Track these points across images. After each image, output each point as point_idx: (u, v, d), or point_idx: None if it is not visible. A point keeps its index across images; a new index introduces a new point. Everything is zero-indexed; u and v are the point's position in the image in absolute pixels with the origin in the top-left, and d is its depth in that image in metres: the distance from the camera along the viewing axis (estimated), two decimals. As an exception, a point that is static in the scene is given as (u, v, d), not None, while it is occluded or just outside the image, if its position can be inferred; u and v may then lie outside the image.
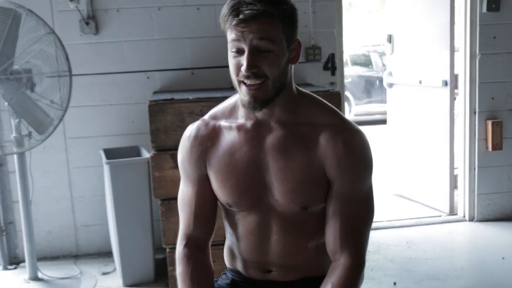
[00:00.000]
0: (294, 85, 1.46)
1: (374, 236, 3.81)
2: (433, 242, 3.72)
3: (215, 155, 1.48)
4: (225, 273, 1.66)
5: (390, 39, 4.56)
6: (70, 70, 2.86)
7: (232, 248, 1.59)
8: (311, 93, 1.51)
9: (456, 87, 4.09)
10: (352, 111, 9.51)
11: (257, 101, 1.36)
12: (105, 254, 3.58)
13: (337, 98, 2.96)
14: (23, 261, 3.27)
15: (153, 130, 2.87)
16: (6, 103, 2.90)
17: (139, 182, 3.07)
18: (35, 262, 3.18)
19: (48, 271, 3.27)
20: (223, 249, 1.65)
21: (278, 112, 1.42)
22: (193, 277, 1.48)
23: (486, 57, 3.86)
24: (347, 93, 9.39)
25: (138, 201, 3.08)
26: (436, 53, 4.09)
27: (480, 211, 4.03)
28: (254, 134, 1.44)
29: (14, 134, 2.95)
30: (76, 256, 3.60)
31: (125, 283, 3.13)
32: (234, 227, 1.54)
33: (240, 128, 1.46)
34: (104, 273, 3.31)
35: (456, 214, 4.15)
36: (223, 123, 1.49)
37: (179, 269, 1.50)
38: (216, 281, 1.63)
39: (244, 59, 1.33)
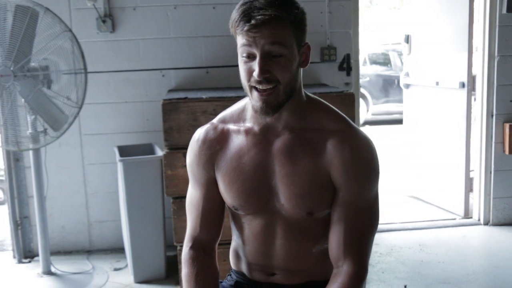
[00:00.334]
0: (303, 90, 1.46)
1: (386, 238, 3.80)
2: (446, 245, 3.69)
3: (223, 158, 1.48)
4: (230, 275, 1.68)
5: (407, 39, 4.52)
6: (85, 68, 2.89)
7: (237, 250, 1.60)
8: (319, 99, 1.51)
9: (473, 89, 4.05)
10: (369, 110, 9.45)
11: (269, 107, 1.37)
12: (118, 250, 3.62)
13: (351, 100, 2.94)
14: (38, 255, 3.32)
15: (166, 129, 2.88)
16: (22, 100, 2.94)
17: (152, 180, 3.09)
18: (49, 257, 3.22)
19: (61, 265, 3.31)
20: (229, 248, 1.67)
21: (286, 116, 1.43)
22: (197, 279, 1.50)
23: (504, 59, 3.80)
24: (365, 92, 9.34)
25: (150, 198, 3.10)
26: (454, 54, 4.05)
27: (495, 215, 3.98)
28: (262, 138, 1.45)
29: (30, 130, 2.99)
30: (89, 251, 3.64)
31: (136, 280, 3.16)
32: (240, 229, 1.55)
33: (248, 132, 1.46)
34: (116, 269, 3.35)
35: (471, 218, 4.11)
36: (231, 126, 1.49)
37: (185, 271, 1.51)
38: (221, 282, 1.64)
39: (255, 65, 1.33)
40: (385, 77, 9.54)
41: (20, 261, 3.52)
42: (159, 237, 3.16)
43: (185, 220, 2.86)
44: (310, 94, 1.50)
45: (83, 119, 3.48)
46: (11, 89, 2.91)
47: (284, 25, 1.32)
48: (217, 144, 1.49)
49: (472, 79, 4.00)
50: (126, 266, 3.36)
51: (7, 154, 3.49)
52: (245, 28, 1.31)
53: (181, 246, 2.96)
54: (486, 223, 4.00)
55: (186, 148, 2.86)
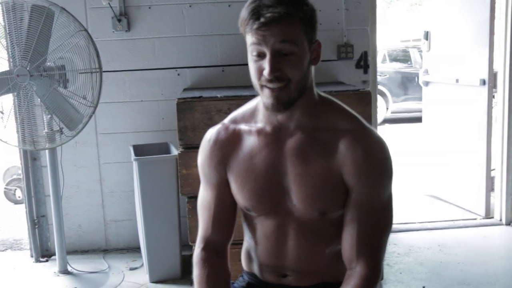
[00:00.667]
0: (315, 89, 1.44)
1: (404, 238, 3.74)
2: (466, 246, 3.62)
3: (235, 159, 1.47)
4: (242, 276, 1.66)
5: (427, 36, 4.45)
6: (100, 67, 2.89)
7: (249, 251, 1.59)
8: (331, 97, 1.48)
9: (494, 86, 3.96)
10: (389, 108, 9.36)
11: (280, 103, 1.34)
12: (133, 249, 3.62)
13: (368, 98, 2.89)
14: (54, 254, 3.33)
15: (181, 128, 2.87)
16: (39, 99, 2.95)
17: (167, 179, 3.08)
18: (65, 256, 3.23)
19: (77, 264, 3.32)
20: (241, 248, 1.64)
21: (298, 116, 1.40)
22: (208, 281, 1.49)
23: (527, 56, 3.72)
24: (384, 89, 9.24)
25: (165, 198, 3.09)
26: (474, 51, 3.97)
27: (517, 215, 3.90)
28: (274, 138, 1.43)
29: (46, 130, 3.00)
30: (105, 250, 3.65)
31: (151, 279, 3.16)
32: (252, 230, 1.53)
33: (260, 132, 1.45)
34: (132, 269, 3.35)
35: (492, 218, 4.03)
36: (243, 127, 1.48)
37: (196, 272, 1.50)
38: (233, 283, 1.62)
39: (266, 63, 1.31)
40: (405, 74, 9.44)
41: (37, 260, 3.54)
42: (174, 237, 3.15)
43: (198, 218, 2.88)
44: (322, 93, 1.47)
45: (99, 118, 3.48)
46: (27, 88, 2.92)
47: (294, 23, 1.30)
48: (228, 144, 1.48)
49: (493, 76, 3.91)
50: (142, 265, 3.35)
51: (24, 153, 3.51)
52: (255, 26, 1.29)
53: (196, 246, 2.96)
54: (508, 223, 3.93)
55: (201, 147, 2.88)
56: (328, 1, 3.49)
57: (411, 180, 5.22)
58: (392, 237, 1.50)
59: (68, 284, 3.13)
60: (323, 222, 1.44)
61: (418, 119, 8.09)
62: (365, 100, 2.86)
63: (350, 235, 1.40)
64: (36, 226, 3.57)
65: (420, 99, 9.03)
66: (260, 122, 1.45)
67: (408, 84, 9.37)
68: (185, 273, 3.21)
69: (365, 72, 3.61)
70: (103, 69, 2.96)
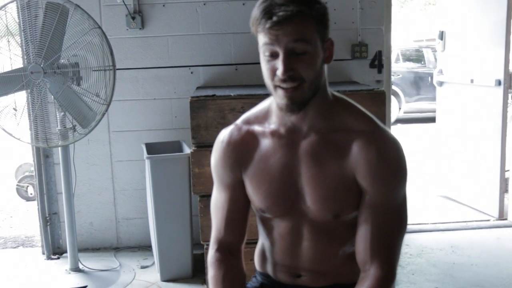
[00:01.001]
0: (328, 89, 1.42)
1: (417, 239, 3.71)
2: (480, 247, 3.59)
3: (249, 160, 1.46)
4: (255, 276, 1.65)
5: (441, 35, 4.41)
6: (114, 65, 2.88)
7: (264, 252, 1.58)
8: (345, 97, 1.46)
9: (510, 86, 3.92)
10: (402, 108, 9.30)
11: (294, 104, 1.33)
12: (145, 247, 3.62)
13: (382, 97, 2.87)
14: (66, 251, 3.34)
15: (194, 126, 2.86)
16: (52, 97, 2.95)
17: (180, 177, 3.07)
18: (76, 254, 3.23)
19: (88, 262, 3.32)
20: (254, 247, 1.63)
21: (312, 117, 1.39)
22: (225, 281, 1.48)
23: (543, 56, 3.68)
24: (397, 89, 9.19)
25: (177, 196, 3.09)
26: (490, 51, 3.93)
27: (532, 217, 3.86)
28: (288, 140, 1.41)
29: (59, 127, 3.00)
30: (116, 248, 3.65)
31: (162, 278, 3.15)
32: (267, 231, 1.52)
33: (273, 133, 1.43)
34: (143, 267, 3.34)
35: (505, 219, 3.99)
36: (256, 128, 1.46)
37: (211, 273, 1.49)
38: (246, 283, 1.60)
39: (279, 63, 1.29)
40: (418, 74, 9.38)
41: (49, 258, 3.55)
42: (186, 236, 3.14)
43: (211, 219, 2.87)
44: (336, 93, 1.46)
45: (111, 116, 3.49)
46: (41, 85, 2.93)
47: (306, 21, 1.28)
48: (242, 145, 1.46)
49: (509, 76, 3.87)
50: (153, 264, 3.35)
51: (37, 150, 3.52)
52: (267, 26, 1.27)
53: (208, 245, 2.93)
54: (522, 226, 3.89)
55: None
56: (343, 0, 3.46)
57: (424, 181, 5.18)
58: (405, 237, 1.47)
59: (79, 282, 3.13)
60: (337, 224, 1.42)
61: (431, 119, 8.05)
62: (379, 100, 2.83)
63: (364, 237, 1.39)
64: (48, 224, 3.58)
65: (433, 99, 9.00)
66: (274, 123, 1.44)
67: (421, 84, 9.31)
68: (196, 272, 3.21)
69: (379, 71, 3.58)
70: (117, 67, 2.95)
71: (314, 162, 1.39)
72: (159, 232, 3.09)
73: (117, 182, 3.61)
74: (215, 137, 2.91)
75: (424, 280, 3.11)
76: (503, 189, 3.99)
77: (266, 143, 1.44)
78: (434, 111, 4.89)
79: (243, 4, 3.46)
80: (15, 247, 3.85)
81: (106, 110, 2.93)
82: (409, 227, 3.88)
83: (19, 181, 5.15)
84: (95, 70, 2.92)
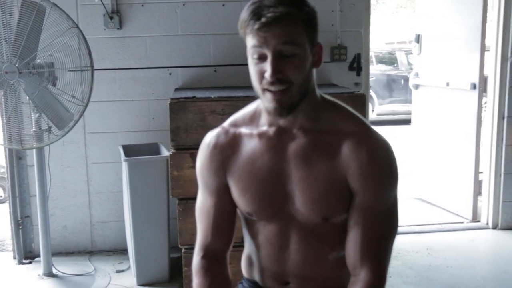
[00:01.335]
0: (317, 91, 1.41)
1: (394, 242, 3.73)
2: (455, 249, 3.63)
3: (235, 163, 1.43)
4: (242, 283, 1.62)
5: (418, 39, 4.46)
6: (92, 65, 2.83)
7: (250, 257, 1.55)
8: (335, 99, 1.45)
9: (485, 90, 3.98)
10: (375, 111, 9.39)
11: (283, 107, 1.31)
12: (120, 251, 3.56)
13: (362, 100, 2.88)
14: (38, 255, 3.26)
15: (173, 129, 2.82)
16: (27, 97, 2.88)
17: (157, 180, 3.03)
18: (50, 258, 3.16)
19: (62, 267, 3.25)
20: (241, 251, 1.61)
21: (301, 119, 1.37)
22: None
23: (517, 61, 3.75)
24: (370, 91, 9.28)
25: (155, 199, 3.04)
26: (465, 55, 3.99)
27: (504, 219, 3.93)
28: (276, 141, 1.39)
29: (34, 129, 2.93)
30: (91, 252, 3.58)
31: (139, 282, 3.10)
32: (253, 236, 1.49)
33: (261, 135, 1.41)
34: (118, 271, 3.29)
35: (479, 221, 4.05)
36: (243, 130, 1.44)
37: (197, 281, 1.46)
38: (232, 291, 1.58)
39: (267, 65, 1.27)
40: (391, 77, 9.49)
41: (20, 262, 3.45)
42: (163, 239, 3.10)
43: (190, 222, 2.84)
44: (325, 95, 1.45)
45: (87, 117, 3.41)
46: (15, 86, 2.85)
47: (296, 23, 1.27)
48: (229, 149, 1.44)
49: (483, 80, 3.93)
50: (129, 268, 3.30)
51: (10, 152, 3.43)
52: (256, 27, 1.25)
53: (186, 249, 2.92)
54: (495, 227, 3.95)
55: (193, 149, 2.83)
56: (322, 3, 3.46)
57: (399, 183, 5.22)
58: (393, 243, 1.47)
59: (53, 287, 3.06)
60: (326, 227, 1.41)
61: (404, 122, 8.16)
62: (359, 102, 2.84)
63: (355, 240, 1.37)
64: (20, 227, 3.49)
65: (405, 101, 9.14)
66: (262, 125, 1.42)
67: (394, 86, 9.42)
68: (173, 276, 3.17)
69: (358, 74, 3.60)
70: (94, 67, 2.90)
71: (303, 164, 1.37)
72: (136, 236, 3.05)
73: (93, 184, 3.54)
74: (195, 139, 2.90)
75: (401, 283, 3.13)
76: (477, 192, 4.05)
77: (253, 145, 1.41)
78: (407, 113, 4.95)
79: (223, 5, 3.44)
80: (-15, 251, 3.76)
81: (84, 111, 2.87)
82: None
83: (-11, 183, 5.03)
84: (72, 71, 2.86)
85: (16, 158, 3.45)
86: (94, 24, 3.38)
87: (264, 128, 1.41)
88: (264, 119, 1.41)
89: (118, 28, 3.39)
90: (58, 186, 3.49)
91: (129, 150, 3.20)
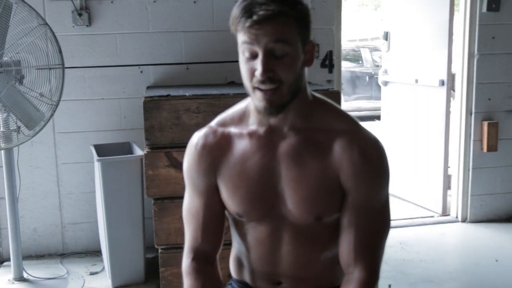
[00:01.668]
0: (308, 90, 1.39)
1: (368, 237, 3.77)
2: (426, 243, 3.69)
3: (225, 163, 1.40)
4: (231, 284, 1.60)
5: (386, 36, 4.51)
6: (62, 64, 2.75)
7: (240, 258, 1.53)
8: (325, 98, 1.44)
9: (452, 87, 4.05)
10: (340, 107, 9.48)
11: (273, 106, 1.29)
12: (93, 253, 3.48)
13: (337, 97, 2.89)
14: (8, 259, 3.17)
15: (148, 127, 2.77)
16: (-6, 96, 2.79)
17: (132, 180, 2.98)
18: (21, 262, 3.07)
19: (33, 270, 3.16)
20: (229, 249, 1.58)
21: (292, 117, 1.36)
22: None
23: (484, 58, 3.82)
24: (336, 88, 9.37)
25: (129, 199, 2.99)
26: (434, 52, 4.05)
27: (472, 212, 4.01)
28: (267, 141, 1.37)
29: (2, 129, 2.84)
30: (62, 254, 3.49)
31: (114, 284, 3.04)
32: (243, 237, 1.47)
33: (251, 135, 1.39)
34: (92, 273, 3.22)
35: (448, 215, 4.13)
36: (232, 130, 1.42)
37: (188, 283, 1.44)
38: (223, 292, 1.56)
39: (258, 64, 1.25)
40: (355, 74, 9.58)
41: (-12, 267, 3.36)
42: (138, 239, 3.05)
43: (166, 222, 2.80)
44: (316, 94, 1.43)
45: (57, 117, 3.32)
46: (-19, 85, 2.75)
47: (288, 22, 1.25)
48: (218, 149, 1.41)
49: (451, 77, 4.00)
50: (103, 269, 3.24)
51: (-24, 153, 3.32)
52: (247, 25, 1.23)
53: (163, 249, 2.87)
54: (464, 220, 4.03)
55: (168, 148, 2.81)
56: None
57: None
58: (386, 241, 1.48)
59: (25, 291, 2.99)
60: (318, 227, 1.40)
61: (369, 118, 8.25)
62: (334, 99, 2.78)
63: (348, 239, 1.37)
64: (-12, 231, 3.38)
65: (370, 98, 9.25)
66: (252, 124, 1.39)
67: (358, 83, 9.52)
68: (149, 276, 3.12)
69: (330, 71, 3.62)
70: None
71: (294, 163, 1.36)
72: (110, 237, 2.99)
73: (63, 185, 3.46)
74: (170, 138, 2.86)
75: (376, 278, 3.15)
76: (446, 186, 4.12)
77: (243, 145, 1.39)
78: (372, 110, 5.00)
79: (194, 2, 3.39)
80: (-50, 256, 3.62)
81: (55, 111, 2.80)
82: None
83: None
84: (41, 69, 2.78)
85: (-18, 159, 3.34)
86: (62, 21, 3.30)
87: (254, 127, 1.39)
88: (254, 118, 1.39)
89: (87, 25, 3.32)
90: (27, 187, 3.39)
91: (101, 150, 3.13)
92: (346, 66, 9.72)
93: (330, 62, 3.60)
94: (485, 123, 3.87)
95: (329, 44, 3.59)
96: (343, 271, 1.41)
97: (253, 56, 1.26)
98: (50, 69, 2.78)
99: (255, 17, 1.22)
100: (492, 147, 3.89)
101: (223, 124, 1.44)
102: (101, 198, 2.98)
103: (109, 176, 2.92)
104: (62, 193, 3.47)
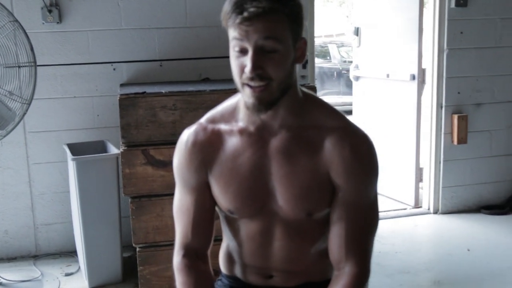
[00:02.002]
0: (299, 86, 1.39)
1: (343, 231, 3.81)
2: (401, 235, 3.75)
3: (216, 160, 1.40)
4: (220, 279, 1.59)
5: (357, 31, 4.55)
6: (35, 61, 2.69)
7: (231, 254, 1.53)
8: (315, 95, 1.46)
9: (423, 81, 4.12)
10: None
11: (262, 103, 1.29)
12: (67, 253, 3.43)
13: (313, 92, 2.90)
14: (-20, 263, 3.09)
15: (124, 125, 2.74)
16: (-38, 96, 2.71)
17: (108, 179, 2.94)
18: (-7, 265, 3.01)
19: (6, 273, 3.10)
20: (218, 245, 1.58)
21: (282, 114, 1.36)
22: (197, 287, 1.42)
23: (453, 52, 3.89)
24: (304, 84, 9.42)
25: (106, 198, 2.95)
26: (404, 47, 4.10)
27: (444, 204, 4.08)
28: (258, 137, 1.37)
29: (-29, 129, 2.76)
30: (35, 256, 3.43)
31: (91, 284, 3.01)
32: (234, 233, 1.47)
33: (242, 131, 1.38)
34: (67, 274, 3.17)
35: (420, 207, 4.19)
36: (223, 126, 1.41)
37: (181, 280, 1.42)
38: (215, 288, 1.56)
39: (248, 60, 1.25)
40: (323, 69, 9.65)
41: (-41, 271, 3.26)
42: (115, 239, 3.01)
43: (144, 220, 2.78)
44: (306, 90, 1.44)
45: (27, 116, 3.18)
46: (-51, 84, 2.67)
47: (279, 18, 1.24)
48: (209, 146, 1.40)
49: (422, 71, 4.06)
50: (78, 270, 3.19)
51: None
52: (237, 21, 1.22)
53: (141, 247, 2.85)
54: (436, 212, 4.10)
55: (145, 145, 2.78)
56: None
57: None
58: (375, 236, 1.50)
59: (-1, 295, 2.92)
60: (309, 222, 1.41)
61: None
62: (310, 95, 2.86)
63: (338, 235, 1.38)
64: (-43, 234, 3.29)
65: (338, 93, 9.32)
66: (242, 121, 1.39)
67: (326, 79, 9.59)
68: (126, 276, 3.10)
69: (304, 67, 3.63)
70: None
71: (285, 160, 1.36)
72: (87, 236, 2.94)
73: (35, 186, 3.38)
74: (146, 135, 2.83)
75: (354, 270, 3.19)
76: (418, 179, 4.19)
77: (234, 142, 1.39)
78: (341, 105, 5.04)
79: (167, -2, 3.37)
80: None
81: (27, 109, 2.74)
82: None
83: None
84: (10, 67, 2.72)
85: (-50, 161, 3.25)
86: (32, 18, 3.22)
87: (244, 124, 1.39)
88: (244, 115, 1.39)
89: (57, 22, 3.25)
90: (-3, 188, 3.32)
91: (75, 149, 3.08)
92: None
93: (304, 58, 3.61)
94: (455, 116, 3.94)
95: (303, 40, 3.59)
96: (333, 266, 1.42)
97: (243, 52, 1.26)
98: (19, 67, 2.71)
99: (245, 14, 1.21)
100: (462, 140, 3.96)
101: (213, 121, 1.43)
102: (76, 198, 2.93)
103: (85, 175, 2.88)
104: (34, 194, 3.39)
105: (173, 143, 2.71)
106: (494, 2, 3.89)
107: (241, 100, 1.38)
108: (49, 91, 3.31)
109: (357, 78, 4.67)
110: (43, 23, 3.24)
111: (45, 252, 3.45)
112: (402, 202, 4.26)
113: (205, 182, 1.43)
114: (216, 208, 1.47)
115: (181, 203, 1.47)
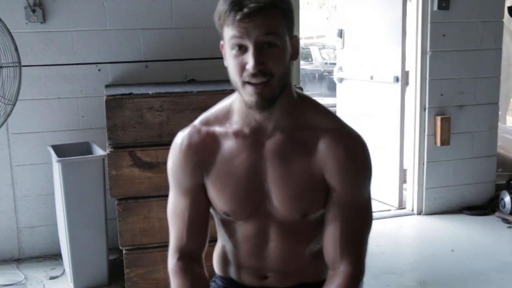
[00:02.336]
0: (293, 87, 1.40)
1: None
2: (386, 236, 3.77)
3: (212, 163, 1.40)
4: (214, 281, 1.59)
5: (340, 33, 4.57)
6: (19, 62, 2.66)
7: (225, 255, 1.53)
8: (310, 96, 1.46)
9: (407, 83, 4.16)
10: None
11: (264, 100, 1.29)
12: (51, 256, 3.38)
13: (300, 94, 2.91)
14: (-39, 267, 3.04)
15: (110, 127, 2.72)
16: None
17: (93, 180, 2.91)
18: (-24, 269, 2.95)
19: (-11, 277, 3.05)
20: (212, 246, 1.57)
21: (277, 115, 1.36)
22: None
23: (436, 54, 3.93)
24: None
25: (92, 200, 2.92)
26: (388, 49, 4.14)
27: (427, 205, 4.11)
28: (253, 139, 1.38)
29: (-46, 130, 2.71)
30: (18, 260, 3.37)
31: (76, 287, 2.97)
32: (229, 234, 1.47)
33: (237, 134, 1.38)
34: (52, 277, 3.13)
35: (404, 208, 4.22)
36: (217, 129, 1.41)
37: (177, 283, 1.42)
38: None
39: (249, 57, 1.25)
40: (305, 71, 9.69)
41: None
42: (101, 241, 2.98)
43: (131, 222, 2.76)
44: (300, 91, 1.45)
45: (10, 117, 3.17)
46: None
47: (276, 14, 1.25)
48: (204, 148, 1.40)
49: (405, 73, 4.10)
50: (63, 273, 3.15)
51: None
52: (237, 17, 1.22)
53: (127, 250, 2.83)
54: (419, 213, 4.13)
55: (132, 147, 2.76)
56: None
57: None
58: (369, 236, 1.51)
59: (-18, 299, 2.87)
60: (304, 223, 1.41)
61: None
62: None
63: (333, 235, 1.39)
64: None
65: (320, 95, 9.36)
66: (236, 123, 1.39)
67: (308, 81, 9.63)
68: (113, 278, 3.07)
69: (289, 68, 3.62)
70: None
71: (280, 161, 1.36)
72: (72, 239, 2.91)
73: (19, 188, 3.33)
74: (133, 137, 2.81)
75: (340, 271, 3.20)
76: (402, 180, 4.22)
77: (229, 144, 1.39)
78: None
79: (153, -1, 3.35)
80: None
81: (11, 110, 2.70)
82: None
83: None
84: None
85: None
86: (15, 18, 3.18)
87: (239, 126, 1.39)
88: (238, 117, 1.38)
89: (41, 22, 3.21)
90: (-21, 191, 3.26)
91: (60, 151, 3.04)
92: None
93: (289, 59, 3.61)
94: (438, 118, 3.98)
95: (288, 41, 3.60)
96: (328, 266, 1.43)
97: (243, 49, 1.26)
98: (1, 67, 2.68)
99: (245, 10, 1.22)
100: (445, 141, 4.01)
101: (207, 123, 1.43)
102: (61, 200, 2.90)
103: (70, 177, 2.85)
104: (18, 196, 3.35)
105: (160, 144, 2.75)
106: (474, 5, 3.95)
107: (235, 102, 1.38)
108: (33, 92, 3.26)
109: (341, 80, 4.70)
110: (27, 23, 3.20)
111: (29, 255, 3.40)
112: (386, 204, 4.29)
113: (200, 185, 1.42)
114: (211, 210, 1.47)
115: (175, 206, 1.46)
